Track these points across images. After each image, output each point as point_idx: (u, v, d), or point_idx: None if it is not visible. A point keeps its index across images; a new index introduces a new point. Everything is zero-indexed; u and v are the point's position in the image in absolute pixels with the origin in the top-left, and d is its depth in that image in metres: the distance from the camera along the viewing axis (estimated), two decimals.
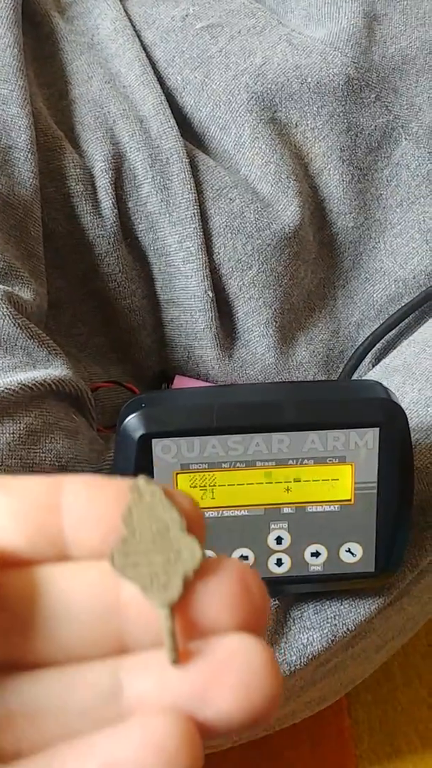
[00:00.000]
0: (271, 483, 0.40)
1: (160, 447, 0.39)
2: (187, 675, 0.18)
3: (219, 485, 0.40)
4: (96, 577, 0.18)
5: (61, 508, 0.18)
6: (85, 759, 0.17)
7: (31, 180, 0.46)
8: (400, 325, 0.55)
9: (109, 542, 0.18)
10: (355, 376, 0.55)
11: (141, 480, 0.19)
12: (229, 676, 0.18)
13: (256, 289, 0.52)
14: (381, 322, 0.55)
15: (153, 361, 0.55)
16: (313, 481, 0.40)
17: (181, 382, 0.55)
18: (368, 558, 0.42)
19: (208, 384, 0.55)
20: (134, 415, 0.39)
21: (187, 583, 0.18)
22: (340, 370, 0.55)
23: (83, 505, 0.18)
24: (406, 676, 0.73)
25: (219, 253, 0.51)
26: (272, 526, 0.41)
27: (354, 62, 0.52)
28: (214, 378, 0.55)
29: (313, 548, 0.41)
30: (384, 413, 0.40)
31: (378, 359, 0.55)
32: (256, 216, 0.51)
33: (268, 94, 0.52)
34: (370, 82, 0.53)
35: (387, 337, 0.55)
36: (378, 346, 0.55)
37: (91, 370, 0.52)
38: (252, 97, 0.51)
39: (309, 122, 0.52)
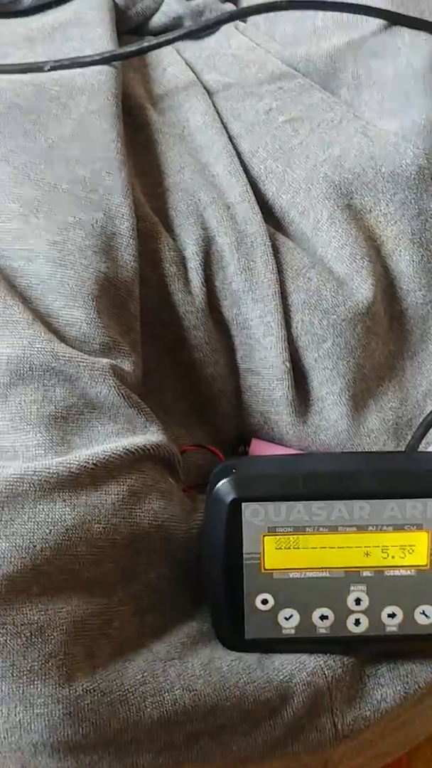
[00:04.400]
0: (351, 547, 0.43)
1: (249, 510, 0.43)
2: None
3: (303, 547, 0.43)
4: None
5: None
6: None
7: (131, 263, 0.51)
8: None
9: None
10: (422, 444, 0.58)
11: None
12: None
13: (331, 360, 0.55)
14: None
15: (231, 425, 0.59)
16: (392, 546, 0.43)
17: (257, 445, 0.58)
18: None
19: (283, 447, 0.58)
20: (226, 480, 0.43)
21: None
22: (409, 438, 0.58)
23: None
24: None
25: (297, 327, 0.55)
26: (352, 588, 0.44)
27: (425, 153, 0.56)
28: (288, 442, 0.58)
29: (389, 610, 0.44)
30: None
31: None
32: (332, 294, 0.55)
33: (344, 182, 0.56)
34: None
35: None
36: None
37: (176, 432, 0.56)
38: (330, 185, 0.56)
39: (382, 208, 0.56)
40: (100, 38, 0.61)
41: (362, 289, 0.55)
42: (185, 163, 0.57)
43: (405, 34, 0.60)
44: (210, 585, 0.44)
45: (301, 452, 0.56)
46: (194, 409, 0.57)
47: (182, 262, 0.54)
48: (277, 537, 0.43)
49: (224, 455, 0.58)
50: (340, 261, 0.55)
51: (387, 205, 0.56)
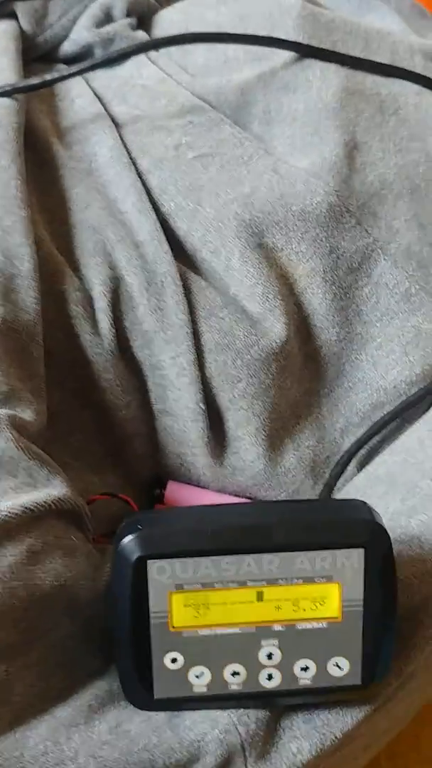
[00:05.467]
0: (262, 601, 0.42)
1: (155, 568, 0.41)
2: None
3: (212, 604, 0.42)
4: None
5: None
6: None
7: (33, 306, 0.49)
8: (383, 431, 0.58)
9: None
10: (340, 482, 0.57)
11: None
12: None
13: (246, 400, 0.55)
14: (365, 429, 0.58)
15: (146, 468, 0.57)
16: (302, 599, 0.42)
17: (173, 487, 0.57)
18: (355, 671, 0.43)
19: (200, 489, 0.57)
20: (131, 537, 0.41)
21: None
22: (327, 476, 0.57)
23: None
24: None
25: (210, 368, 0.54)
26: (263, 643, 0.43)
27: (336, 190, 0.56)
28: (205, 483, 0.57)
29: (302, 663, 0.43)
30: (369, 534, 0.42)
31: (362, 464, 0.58)
32: (245, 333, 0.54)
33: (255, 221, 0.55)
34: (351, 208, 0.56)
35: (370, 443, 0.58)
36: (362, 451, 0.58)
37: (86, 478, 0.54)
38: (240, 224, 0.55)
39: (293, 246, 0.55)
40: (2, 69, 0.59)
41: (275, 328, 0.54)
42: (92, 199, 0.55)
43: (316, 66, 0.60)
44: (117, 644, 0.43)
45: (212, 504, 0.54)
46: (107, 452, 0.56)
47: (89, 303, 0.52)
48: (185, 594, 0.42)
49: (139, 499, 0.57)
50: (253, 300, 0.54)
51: (298, 243, 0.55)
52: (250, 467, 0.56)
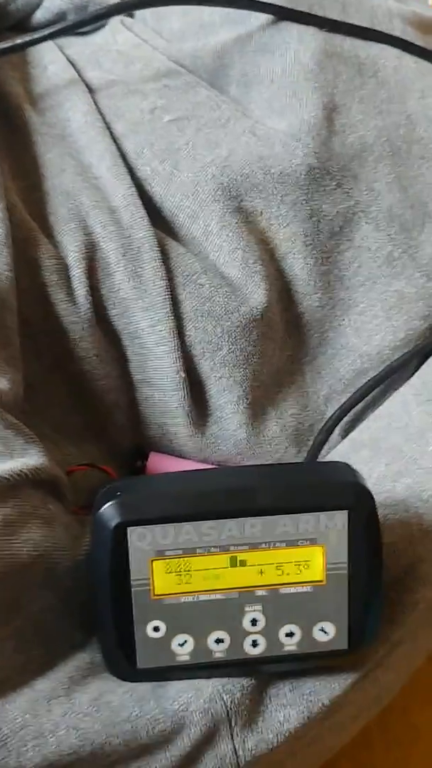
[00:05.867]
0: (245, 566, 0.41)
1: (135, 535, 0.40)
2: None
3: (194, 570, 0.41)
4: None
5: None
6: None
7: (6, 272, 0.48)
8: (367, 398, 0.57)
9: None
10: (324, 449, 0.56)
11: None
12: None
13: (227, 368, 0.54)
14: (348, 395, 0.57)
15: (128, 439, 0.56)
16: (286, 563, 0.42)
17: (155, 459, 0.56)
18: (341, 636, 0.43)
19: (182, 460, 0.56)
20: (109, 504, 0.40)
21: None
22: (310, 444, 0.57)
23: None
24: (385, 741, 0.73)
25: (190, 336, 0.53)
26: (247, 609, 0.42)
27: (315, 152, 0.55)
28: (188, 454, 0.56)
29: (287, 629, 0.42)
30: (353, 496, 0.41)
31: (346, 432, 0.57)
32: (225, 300, 0.53)
33: (233, 184, 0.54)
34: (331, 170, 0.55)
35: (354, 410, 0.57)
36: (346, 419, 0.57)
37: (66, 450, 0.53)
38: (218, 187, 0.54)
39: (273, 210, 0.54)
40: None
41: (256, 294, 0.53)
42: (66, 164, 0.54)
43: (293, 29, 0.58)
44: (98, 614, 0.42)
45: (194, 469, 0.53)
46: (87, 424, 0.55)
47: (64, 270, 0.51)
48: (167, 561, 0.41)
49: (121, 471, 0.56)
50: (233, 266, 0.53)
51: (278, 206, 0.54)
52: (232, 436, 0.55)
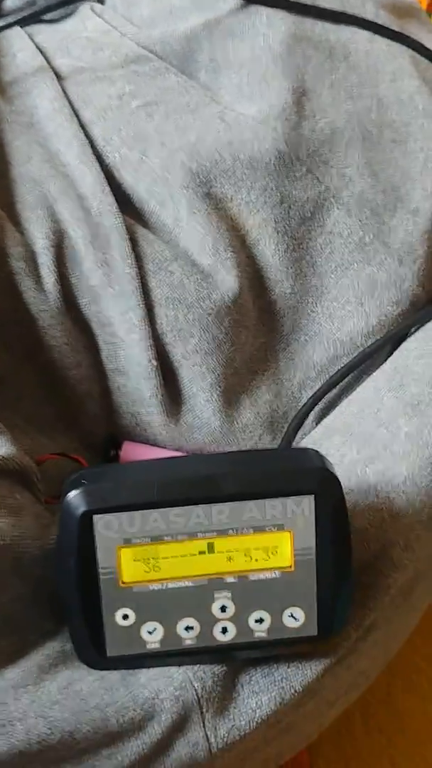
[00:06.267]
0: (213, 553, 0.41)
1: (102, 523, 0.40)
2: None
3: (162, 557, 0.41)
4: None
5: None
6: None
7: None
8: (340, 384, 0.57)
9: None
10: (298, 436, 0.56)
11: None
12: None
13: (199, 356, 0.53)
14: (322, 382, 0.57)
15: (101, 429, 0.56)
16: (254, 549, 0.41)
17: (129, 448, 0.56)
18: (310, 622, 0.43)
19: (156, 449, 0.56)
20: (75, 492, 0.40)
21: None
22: (284, 431, 0.56)
23: None
24: (367, 728, 0.74)
25: (161, 323, 0.52)
26: (216, 596, 0.42)
27: (284, 137, 0.54)
28: (162, 443, 0.56)
29: (256, 615, 0.42)
30: (319, 481, 0.41)
31: (320, 418, 0.57)
32: (196, 287, 0.53)
33: (202, 170, 0.54)
34: (301, 156, 0.55)
35: (328, 396, 0.57)
36: (319, 405, 0.57)
37: (38, 441, 0.53)
38: (188, 173, 0.53)
39: (243, 196, 0.54)
40: None
41: (227, 281, 0.53)
42: (33, 152, 0.54)
43: (263, 13, 0.58)
44: (66, 602, 0.42)
45: (163, 457, 0.53)
46: (59, 414, 0.54)
47: (32, 258, 0.51)
48: (134, 548, 0.41)
49: (95, 461, 0.56)
50: (203, 253, 0.53)
51: (248, 192, 0.54)
52: (206, 425, 0.55)
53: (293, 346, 0.57)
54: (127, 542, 0.40)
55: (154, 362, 0.53)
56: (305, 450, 0.43)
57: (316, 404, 0.56)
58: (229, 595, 0.42)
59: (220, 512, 0.41)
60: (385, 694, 0.76)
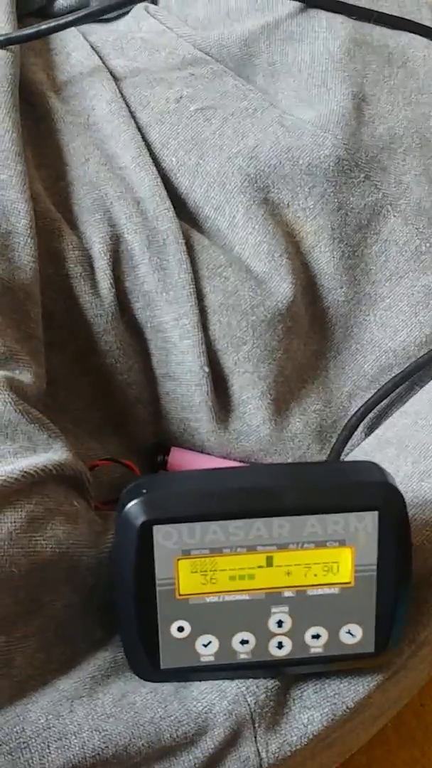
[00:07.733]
0: (272, 567, 0.41)
1: (161, 534, 0.39)
2: None
3: (220, 570, 0.40)
4: None
5: None
6: None
7: (30, 264, 0.47)
8: (391, 395, 0.56)
9: None
10: (347, 447, 0.56)
11: None
12: None
13: (251, 363, 0.53)
14: (372, 392, 0.56)
15: (149, 434, 0.55)
16: (314, 564, 0.41)
17: (177, 454, 0.55)
18: (368, 639, 0.42)
19: (204, 456, 0.55)
20: (135, 502, 0.40)
21: None
22: (334, 440, 0.56)
23: None
24: (400, 738, 0.73)
25: (214, 330, 0.52)
26: (273, 610, 0.41)
27: (344, 143, 0.54)
28: (209, 449, 0.55)
29: (313, 631, 0.42)
30: (383, 497, 0.40)
31: (370, 429, 0.56)
32: (250, 293, 0.52)
33: (260, 175, 0.53)
34: (360, 162, 0.54)
35: (378, 407, 0.56)
36: (370, 415, 0.56)
37: (87, 444, 0.52)
38: (245, 178, 0.53)
39: (300, 202, 0.53)
40: None
41: (281, 287, 0.52)
42: (90, 154, 0.53)
43: (322, 17, 0.57)
44: (121, 613, 0.41)
45: (219, 467, 0.53)
46: (108, 418, 0.54)
47: (88, 262, 0.50)
48: (192, 560, 0.40)
49: (142, 466, 0.55)
50: (258, 259, 0.52)
51: (305, 198, 0.53)
52: (255, 432, 0.54)
53: (344, 355, 0.56)
54: (186, 554, 0.40)
55: (206, 369, 0.52)
56: (365, 463, 0.43)
57: (366, 414, 0.56)
58: (287, 609, 0.41)
59: (281, 526, 0.40)
60: (418, 705, 0.75)
